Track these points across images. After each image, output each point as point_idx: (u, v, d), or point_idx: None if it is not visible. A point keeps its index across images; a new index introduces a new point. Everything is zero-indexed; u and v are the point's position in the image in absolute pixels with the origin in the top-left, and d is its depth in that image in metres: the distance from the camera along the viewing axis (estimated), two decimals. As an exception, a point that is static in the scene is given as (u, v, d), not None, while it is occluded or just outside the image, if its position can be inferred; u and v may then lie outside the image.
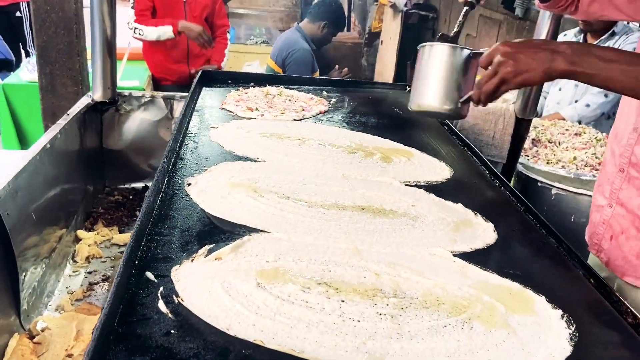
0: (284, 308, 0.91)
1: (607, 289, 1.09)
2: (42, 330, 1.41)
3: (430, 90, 1.36)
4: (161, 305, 0.88)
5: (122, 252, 1.86)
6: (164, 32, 3.53)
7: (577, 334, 0.94)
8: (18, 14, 5.99)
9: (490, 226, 1.28)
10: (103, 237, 1.92)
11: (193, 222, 1.15)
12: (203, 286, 0.94)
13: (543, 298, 1.02)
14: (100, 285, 1.68)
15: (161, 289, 0.92)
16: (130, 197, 2.26)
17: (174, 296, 0.91)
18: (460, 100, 1.34)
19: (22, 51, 6.23)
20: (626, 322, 1.01)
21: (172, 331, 0.83)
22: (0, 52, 5.28)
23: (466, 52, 1.34)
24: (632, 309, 1.02)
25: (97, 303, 1.60)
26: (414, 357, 0.85)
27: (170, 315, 0.87)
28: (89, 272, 1.75)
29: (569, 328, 0.95)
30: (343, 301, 0.95)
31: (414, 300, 0.98)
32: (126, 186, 2.33)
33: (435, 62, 1.36)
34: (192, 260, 1.02)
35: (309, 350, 0.83)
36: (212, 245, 1.07)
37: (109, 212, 2.11)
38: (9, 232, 1.35)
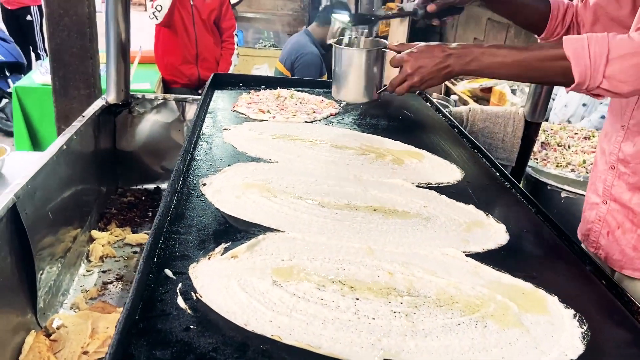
0: (300, 305, 0.93)
1: (618, 289, 1.10)
2: (58, 328, 1.43)
3: (349, 87, 1.67)
4: (180, 301, 0.90)
5: (135, 252, 1.89)
6: None
7: (590, 333, 0.95)
8: (28, 17, 6.08)
9: (502, 227, 1.29)
10: (116, 237, 1.95)
11: (209, 221, 1.17)
12: (220, 283, 0.96)
13: (555, 298, 1.03)
14: (114, 285, 1.71)
15: (180, 285, 0.94)
16: (143, 198, 2.28)
17: (193, 293, 0.93)
18: (378, 92, 1.65)
19: (33, 54, 6.32)
20: (637, 321, 1.02)
21: (192, 326, 0.85)
22: (12, 55, 5.34)
23: (373, 52, 1.61)
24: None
25: (111, 302, 1.62)
26: (428, 355, 0.86)
27: (189, 311, 0.88)
28: (103, 272, 1.77)
29: (581, 327, 0.96)
30: (358, 299, 0.96)
31: (427, 299, 0.99)
32: (138, 187, 2.36)
33: (347, 63, 1.64)
34: (209, 258, 1.03)
35: (326, 347, 0.85)
36: (228, 244, 1.09)
37: (122, 212, 2.14)
38: (27, 231, 1.38)
